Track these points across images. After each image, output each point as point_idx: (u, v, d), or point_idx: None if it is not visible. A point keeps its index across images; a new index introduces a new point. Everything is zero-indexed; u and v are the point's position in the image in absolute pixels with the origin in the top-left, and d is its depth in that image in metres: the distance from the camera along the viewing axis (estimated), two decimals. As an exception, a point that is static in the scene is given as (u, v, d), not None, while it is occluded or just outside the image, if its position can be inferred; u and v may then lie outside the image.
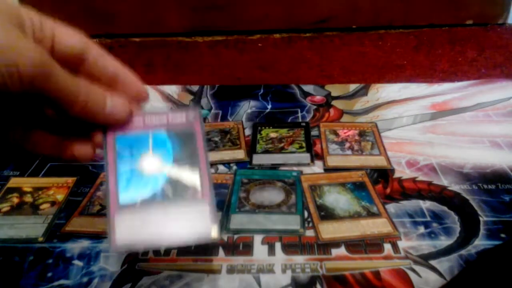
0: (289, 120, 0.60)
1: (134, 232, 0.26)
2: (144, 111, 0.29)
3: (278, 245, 0.39)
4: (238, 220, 0.42)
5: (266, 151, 0.52)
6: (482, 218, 0.41)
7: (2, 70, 0.21)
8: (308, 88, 0.69)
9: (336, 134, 0.55)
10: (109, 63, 0.28)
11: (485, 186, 0.45)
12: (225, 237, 0.40)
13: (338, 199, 0.44)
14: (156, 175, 0.27)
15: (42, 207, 0.44)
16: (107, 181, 0.27)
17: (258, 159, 0.51)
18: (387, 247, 0.38)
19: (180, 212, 0.27)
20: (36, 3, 0.39)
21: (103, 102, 0.26)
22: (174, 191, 0.27)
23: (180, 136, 0.28)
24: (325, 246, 0.38)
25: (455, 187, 0.45)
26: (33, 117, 0.28)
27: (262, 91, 0.68)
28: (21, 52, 0.22)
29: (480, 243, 0.38)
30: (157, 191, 0.27)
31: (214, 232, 0.26)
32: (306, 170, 0.49)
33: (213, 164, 0.50)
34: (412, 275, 0.36)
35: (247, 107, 0.63)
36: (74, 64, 0.26)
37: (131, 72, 0.29)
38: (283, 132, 0.56)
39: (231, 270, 0.36)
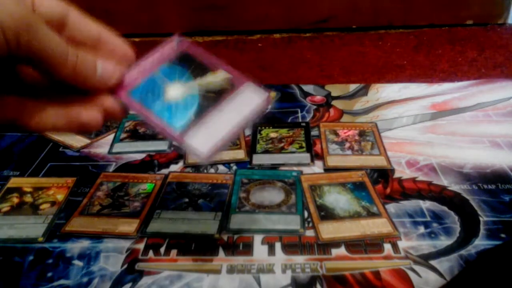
0: (289, 120, 0.60)
1: (208, 138, 0.27)
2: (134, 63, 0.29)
3: (278, 245, 0.39)
4: (238, 220, 0.42)
5: (266, 151, 0.52)
6: (482, 218, 0.41)
7: None
8: (308, 88, 0.69)
9: (336, 134, 0.55)
10: (91, 26, 0.28)
11: (485, 186, 0.45)
12: (225, 237, 0.40)
13: (338, 199, 0.44)
14: (188, 94, 0.28)
15: (42, 207, 0.44)
16: (154, 128, 0.28)
17: (258, 159, 0.51)
18: (387, 247, 0.38)
19: (230, 102, 0.28)
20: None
21: (94, 66, 0.26)
22: (214, 94, 0.28)
23: (182, 59, 0.30)
24: (325, 246, 0.38)
25: (455, 187, 0.45)
26: (20, 86, 0.26)
27: (262, 91, 0.68)
28: (1, 7, 0.21)
29: (480, 243, 0.38)
30: (200, 103, 0.28)
31: (271, 93, 0.27)
32: (306, 170, 0.49)
33: (213, 164, 0.50)
34: (412, 275, 0.36)
35: (247, 107, 0.63)
36: (56, 28, 0.25)
37: (114, 34, 0.28)
38: (283, 132, 0.56)
39: (231, 270, 0.36)
